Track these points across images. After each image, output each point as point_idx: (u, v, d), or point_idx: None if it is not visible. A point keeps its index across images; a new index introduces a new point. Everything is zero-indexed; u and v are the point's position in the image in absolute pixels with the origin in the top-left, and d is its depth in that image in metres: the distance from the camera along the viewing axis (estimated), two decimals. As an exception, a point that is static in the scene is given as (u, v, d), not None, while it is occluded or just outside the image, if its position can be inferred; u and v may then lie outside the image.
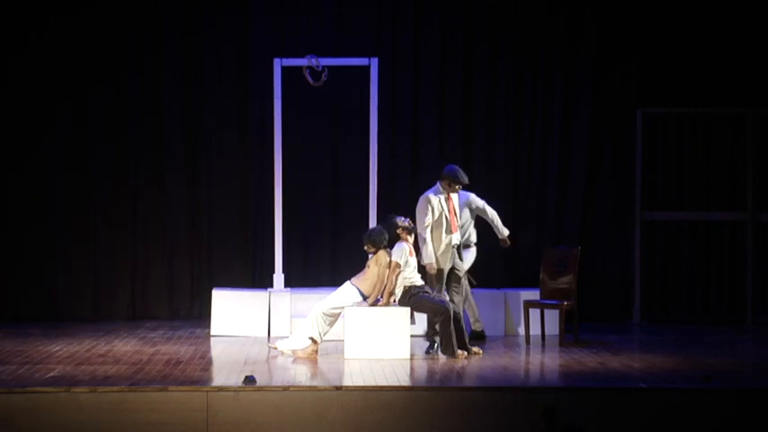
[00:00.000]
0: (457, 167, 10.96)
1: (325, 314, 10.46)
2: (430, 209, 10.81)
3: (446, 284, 10.91)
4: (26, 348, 10.77)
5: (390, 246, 10.59)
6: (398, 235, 10.58)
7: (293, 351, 10.45)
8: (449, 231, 10.89)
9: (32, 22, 13.16)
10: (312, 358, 10.33)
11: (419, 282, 10.58)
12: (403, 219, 10.66)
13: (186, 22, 13.32)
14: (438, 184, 10.97)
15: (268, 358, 10.45)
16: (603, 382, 9.15)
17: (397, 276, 10.45)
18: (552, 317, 11.64)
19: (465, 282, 11.25)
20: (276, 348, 10.61)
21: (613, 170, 13.50)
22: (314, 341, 10.44)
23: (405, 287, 10.50)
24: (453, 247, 10.92)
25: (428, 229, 10.79)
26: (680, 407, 8.57)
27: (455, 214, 10.97)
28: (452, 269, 10.95)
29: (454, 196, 11.00)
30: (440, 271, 10.85)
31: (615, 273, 13.43)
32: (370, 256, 10.66)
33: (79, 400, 8.44)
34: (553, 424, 7.49)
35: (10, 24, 13.15)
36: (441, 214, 10.85)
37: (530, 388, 9.03)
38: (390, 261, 10.45)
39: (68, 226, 13.22)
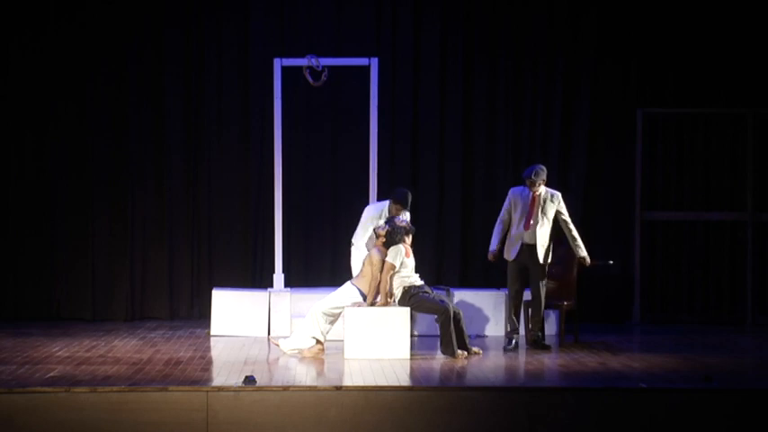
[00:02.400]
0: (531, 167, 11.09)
1: (325, 314, 10.47)
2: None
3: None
4: (26, 348, 10.77)
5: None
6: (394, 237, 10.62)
7: (300, 351, 10.44)
8: None
9: (32, 22, 13.17)
10: (318, 357, 10.32)
11: (418, 282, 10.59)
12: (401, 219, 10.66)
13: (186, 22, 13.32)
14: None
15: (268, 358, 10.45)
16: (603, 382, 9.15)
17: (392, 277, 10.45)
18: (552, 317, 11.64)
19: None
20: (278, 346, 10.59)
21: (613, 170, 13.51)
22: (318, 341, 10.43)
23: (404, 287, 10.51)
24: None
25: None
26: (680, 407, 8.57)
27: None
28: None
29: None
30: None
31: (615, 273, 13.42)
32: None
33: (79, 400, 8.44)
34: None
35: (10, 25, 13.15)
36: None
37: (530, 388, 9.02)
38: (383, 261, 10.47)
39: (68, 226, 13.23)
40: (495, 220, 11.30)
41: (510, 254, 11.00)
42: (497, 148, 13.49)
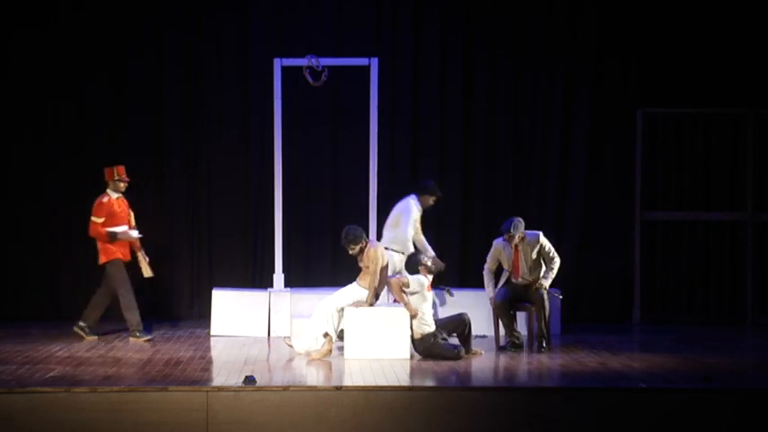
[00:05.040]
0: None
1: (338, 310, 10.46)
2: None
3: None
4: (26, 348, 10.77)
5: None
6: (416, 266, 10.55)
7: (307, 352, 10.43)
8: None
9: (32, 23, 13.17)
10: (325, 358, 10.31)
11: (433, 327, 10.48)
12: (426, 257, 10.61)
13: (186, 22, 13.32)
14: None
15: (268, 358, 10.45)
16: (603, 382, 9.15)
17: (404, 293, 10.37)
18: (553, 317, 11.63)
19: None
20: (292, 347, 10.58)
21: (613, 170, 13.50)
22: (329, 337, 10.40)
23: (421, 334, 10.40)
24: None
25: None
26: (680, 407, 8.57)
27: None
28: None
29: None
30: None
31: (615, 273, 13.43)
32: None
33: (79, 400, 8.44)
34: None
35: (10, 24, 13.15)
36: None
37: (530, 388, 9.03)
38: (384, 262, 10.47)
39: (68, 226, 13.20)
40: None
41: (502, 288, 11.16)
42: (497, 148, 13.49)
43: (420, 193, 11.55)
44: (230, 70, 13.37)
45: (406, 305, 10.34)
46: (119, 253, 11.54)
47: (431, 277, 10.59)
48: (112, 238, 11.49)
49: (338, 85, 12.87)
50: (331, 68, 12.09)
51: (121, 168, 11.69)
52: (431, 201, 11.58)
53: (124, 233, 11.58)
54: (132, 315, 11.45)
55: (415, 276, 10.47)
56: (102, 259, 11.55)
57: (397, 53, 13.41)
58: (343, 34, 13.35)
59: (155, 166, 13.35)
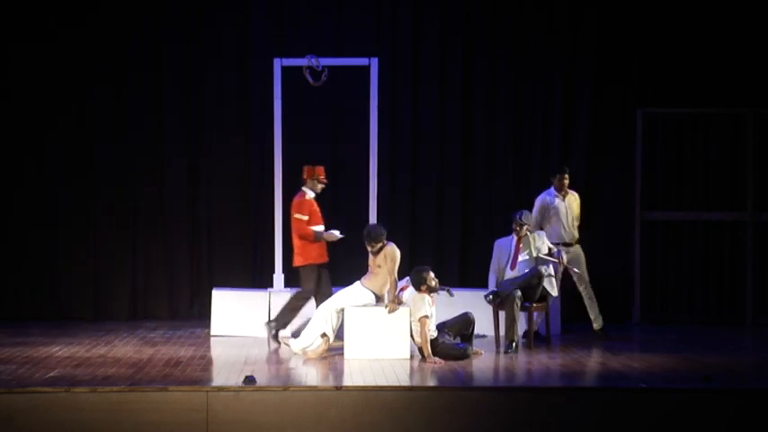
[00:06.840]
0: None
1: (337, 311, 10.46)
2: None
3: None
4: (26, 348, 10.78)
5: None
6: (419, 284, 10.37)
7: (303, 351, 10.44)
8: None
9: (32, 23, 13.16)
10: (321, 357, 10.31)
11: (435, 333, 10.47)
12: (433, 276, 10.44)
13: (186, 22, 13.33)
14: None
15: (268, 358, 10.45)
16: (603, 382, 9.15)
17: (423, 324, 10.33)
18: (553, 317, 11.63)
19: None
20: (289, 346, 10.58)
21: (613, 170, 13.50)
22: (326, 337, 10.41)
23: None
24: None
25: None
26: (680, 407, 8.57)
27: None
28: None
29: None
30: None
31: (615, 273, 13.43)
32: (371, 256, 10.63)
33: (79, 400, 8.44)
34: None
35: (11, 32, 13.14)
36: None
37: (530, 388, 9.02)
38: (398, 259, 10.44)
39: (69, 226, 13.24)
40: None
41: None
42: (497, 148, 13.49)
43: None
44: (230, 70, 13.37)
45: (427, 353, 10.20)
46: (317, 256, 11.21)
47: (434, 295, 10.50)
48: (318, 237, 11.22)
49: (338, 85, 12.86)
50: (331, 68, 12.08)
51: (321, 169, 11.37)
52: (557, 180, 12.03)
53: (329, 233, 11.27)
54: (286, 317, 11.19)
55: (424, 299, 10.34)
56: (300, 261, 11.22)
57: (397, 53, 13.42)
58: (343, 34, 13.36)
59: (155, 167, 13.35)
